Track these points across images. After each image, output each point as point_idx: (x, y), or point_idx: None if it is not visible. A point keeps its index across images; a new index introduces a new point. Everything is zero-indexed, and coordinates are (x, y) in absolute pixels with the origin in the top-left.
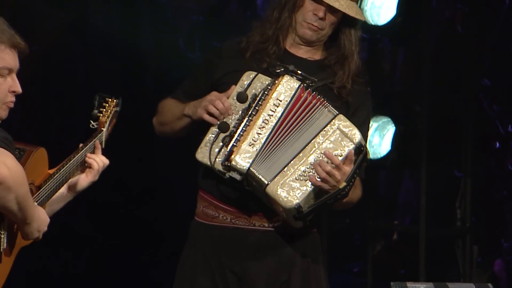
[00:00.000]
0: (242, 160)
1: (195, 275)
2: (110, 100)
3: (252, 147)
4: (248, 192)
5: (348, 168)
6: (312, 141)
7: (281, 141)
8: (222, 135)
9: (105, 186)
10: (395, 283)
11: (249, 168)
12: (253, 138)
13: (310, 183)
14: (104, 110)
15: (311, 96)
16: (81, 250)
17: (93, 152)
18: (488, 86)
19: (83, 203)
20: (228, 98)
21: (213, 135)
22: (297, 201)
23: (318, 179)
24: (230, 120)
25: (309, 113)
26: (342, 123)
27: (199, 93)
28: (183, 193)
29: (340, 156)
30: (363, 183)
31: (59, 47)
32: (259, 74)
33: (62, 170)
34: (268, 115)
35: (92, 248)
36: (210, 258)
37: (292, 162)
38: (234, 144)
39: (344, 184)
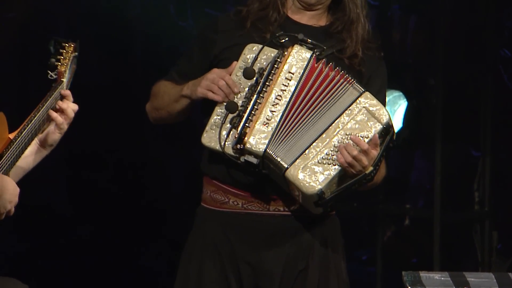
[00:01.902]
0: (257, 141)
1: (202, 266)
2: (67, 45)
3: (267, 126)
4: (261, 175)
5: (375, 152)
6: (336, 121)
7: (299, 118)
8: (230, 116)
9: (88, 163)
10: (407, 272)
11: (265, 150)
12: (267, 117)
13: (333, 167)
14: (62, 57)
15: (327, 67)
16: (61, 234)
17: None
18: (508, 57)
19: (64, 182)
20: (230, 75)
21: (220, 117)
22: (320, 186)
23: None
24: (237, 99)
25: (330, 88)
26: (369, 101)
27: (197, 73)
28: (176, 171)
29: (367, 138)
30: (385, 161)
31: (38, 14)
32: (264, 46)
33: (24, 133)
34: (281, 90)
35: (74, 232)
36: (220, 247)
37: (314, 143)
38: (246, 124)
39: (371, 168)
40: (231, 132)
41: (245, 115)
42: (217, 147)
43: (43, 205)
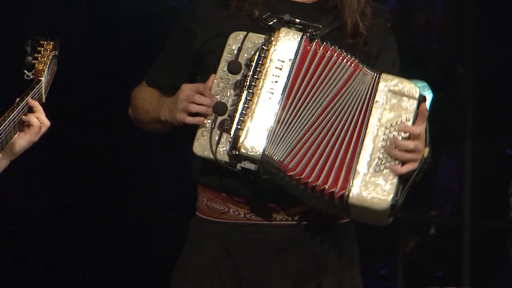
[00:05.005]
0: (253, 144)
1: (199, 285)
2: (45, 43)
3: (261, 126)
4: (264, 180)
5: (423, 131)
6: (368, 120)
7: (298, 111)
8: (220, 119)
9: (67, 165)
10: None
11: (263, 153)
12: (260, 115)
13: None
14: (40, 55)
15: (322, 48)
16: (39, 245)
17: (30, 111)
18: None
19: (40, 187)
20: (216, 73)
21: (209, 121)
22: (391, 197)
23: (400, 166)
24: (226, 98)
25: (327, 71)
26: (390, 82)
27: (180, 70)
28: (166, 175)
29: (409, 120)
30: None
31: None
32: (249, 33)
33: None
34: (272, 82)
35: (54, 243)
36: (220, 263)
37: (361, 155)
38: (238, 126)
39: (427, 149)
40: (224, 136)
41: (236, 116)
42: (211, 156)
43: (18, 212)
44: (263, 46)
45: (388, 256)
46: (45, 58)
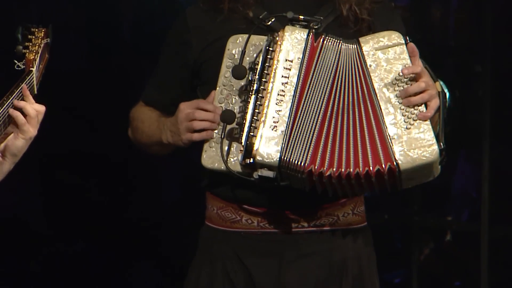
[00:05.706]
0: (269, 150)
1: None
2: (37, 30)
3: (275, 130)
4: (280, 187)
5: (423, 67)
6: (375, 87)
7: (312, 110)
8: (228, 128)
9: (65, 167)
10: None
11: (280, 158)
12: (273, 119)
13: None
14: (31, 44)
15: (325, 41)
16: (36, 254)
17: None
18: None
19: (37, 191)
20: (217, 81)
21: (217, 131)
22: (436, 144)
23: (425, 110)
24: (231, 105)
25: (329, 62)
26: (370, 42)
27: (178, 85)
28: (170, 176)
29: (408, 64)
30: None
31: None
32: (250, 36)
33: None
34: (282, 83)
35: (51, 251)
36: (234, 275)
37: (386, 121)
38: (251, 133)
39: (437, 83)
40: (233, 146)
41: (247, 123)
42: (222, 167)
43: (12, 219)
44: (268, 47)
45: (402, 264)
46: (36, 46)
